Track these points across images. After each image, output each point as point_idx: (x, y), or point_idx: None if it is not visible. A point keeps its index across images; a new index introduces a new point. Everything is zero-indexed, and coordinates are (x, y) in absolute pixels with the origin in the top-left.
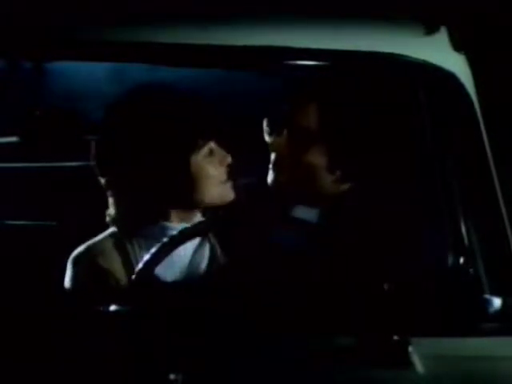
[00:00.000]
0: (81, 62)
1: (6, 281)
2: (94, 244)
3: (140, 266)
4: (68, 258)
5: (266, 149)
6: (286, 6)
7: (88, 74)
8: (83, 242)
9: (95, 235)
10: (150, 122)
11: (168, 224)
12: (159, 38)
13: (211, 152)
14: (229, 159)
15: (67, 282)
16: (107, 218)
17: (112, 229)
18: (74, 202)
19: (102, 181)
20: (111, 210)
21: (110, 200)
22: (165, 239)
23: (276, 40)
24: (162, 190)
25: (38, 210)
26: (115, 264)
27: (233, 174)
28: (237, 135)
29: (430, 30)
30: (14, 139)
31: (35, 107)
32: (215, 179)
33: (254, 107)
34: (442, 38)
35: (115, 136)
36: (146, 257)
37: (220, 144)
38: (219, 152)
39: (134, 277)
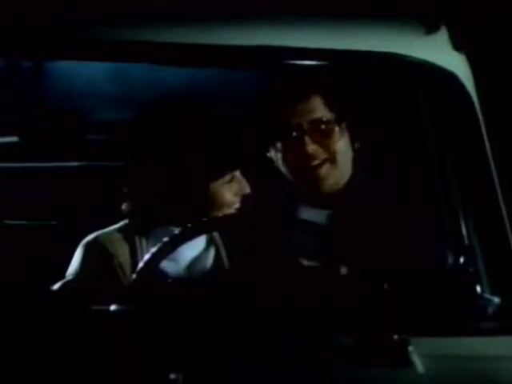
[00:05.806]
0: (81, 61)
1: (6, 280)
2: (105, 233)
3: (142, 264)
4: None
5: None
6: (286, 5)
7: (88, 74)
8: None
9: None
10: (181, 139)
11: (176, 230)
12: (159, 38)
13: (232, 178)
14: (247, 190)
15: (75, 265)
16: (123, 209)
17: (124, 221)
18: (74, 201)
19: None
20: (128, 204)
21: (129, 194)
22: (166, 238)
23: (276, 40)
24: (176, 200)
25: (38, 210)
26: (123, 253)
27: (246, 201)
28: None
29: (430, 29)
30: (14, 139)
31: (35, 107)
32: (228, 205)
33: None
34: (442, 37)
35: (145, 141)
36: (148, 256)
37: (242, 172)
38: (240, 180)
39: (135, 275)
